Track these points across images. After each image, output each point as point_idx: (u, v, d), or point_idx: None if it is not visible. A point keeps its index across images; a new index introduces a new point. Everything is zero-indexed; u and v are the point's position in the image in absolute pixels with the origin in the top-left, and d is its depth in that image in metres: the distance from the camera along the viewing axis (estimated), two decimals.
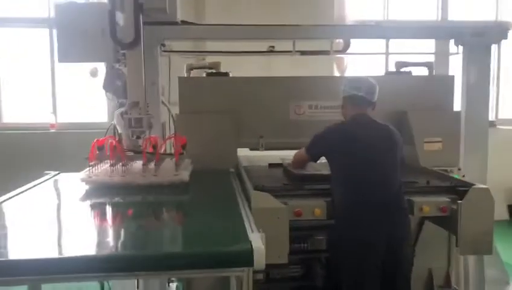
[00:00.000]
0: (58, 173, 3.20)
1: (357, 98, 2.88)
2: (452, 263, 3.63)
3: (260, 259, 1.56)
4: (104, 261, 1.63)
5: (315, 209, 2.48)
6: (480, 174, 3.56)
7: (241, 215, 2.10)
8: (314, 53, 3.91)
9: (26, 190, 2.67)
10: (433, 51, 5.62)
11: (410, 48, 4.67)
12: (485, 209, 2.52)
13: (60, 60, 3.25)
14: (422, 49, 5.04)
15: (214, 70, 3.76)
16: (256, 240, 1.65)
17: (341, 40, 3.95)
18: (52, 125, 6.00)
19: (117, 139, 2.97)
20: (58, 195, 2.85)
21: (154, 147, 2.85)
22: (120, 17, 2.90)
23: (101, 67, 5.68)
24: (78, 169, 3.29)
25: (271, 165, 3.58)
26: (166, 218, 2.33)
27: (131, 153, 2.96)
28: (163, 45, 3.49)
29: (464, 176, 3.34)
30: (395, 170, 2.78)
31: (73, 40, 3.19)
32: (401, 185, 2.76)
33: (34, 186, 2.81)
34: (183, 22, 3.54)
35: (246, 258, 1.57)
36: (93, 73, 5.80)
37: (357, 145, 2.74)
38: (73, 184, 2.81)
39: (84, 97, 6.19)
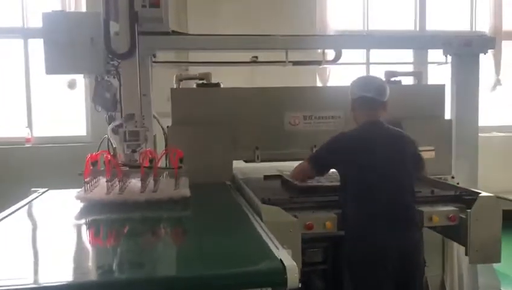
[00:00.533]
0: (47, 190, 3.04)
1: (366, 100, 2.74)
2: (447, 270, 3.64)
3: (293, 278, 1.48)
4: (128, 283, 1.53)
5: (326, 222, 2.43)
6: (471, 181, 3.60)
7: (256, 229, 2.02)
8: (306, 63, 3.89)
9: (17, 209, 2.51)
10: (411, 60, 5.79)
11: (388, 58, 4.75)
12: (492, 217, 2.54)
13: (48, 72, 3.11)
14: (399, 59, 5.15)
15: (204, 81, 3.68)
16: (286, 257, 1.58)
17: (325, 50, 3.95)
18: (28, 140, 5.76)
19: (111, 153, 2.84)
20: (53, 214, 2.67)
21: (151, 160, 2.74)
22: (114, 27, 2.80)
23: (80, 79, 5.58)
24: (55, 184, 3.16)
25: (266, 177, 3.51)
26: (176, 237, 2.21)
27: (127, 168, 2.83)
28: (154, 56, 3.39)
29: (458, 183, 3.36)
30: (409, 180, 2.70)
31: (61, 51, 3.08)
32: (414, 195, 2.69)
33: (24, 205, 2.65)
34: (174, 32, 3.47)
35: (278, 277, 1.49)
36: (71, 85, 5.65)
37: (368, 155, 2.64)
38: (66, 202, 2.66)
39: (62, 110, 5.98)
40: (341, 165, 2.73)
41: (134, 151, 2.81)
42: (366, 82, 2.85)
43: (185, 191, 2.70)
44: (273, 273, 1.51)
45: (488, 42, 3.76)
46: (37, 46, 5.73)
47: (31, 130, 5.84)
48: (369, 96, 2.74)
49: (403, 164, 2.71)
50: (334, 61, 3.97)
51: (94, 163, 2.73)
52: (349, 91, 2.85)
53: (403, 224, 2.59)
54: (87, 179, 2.64)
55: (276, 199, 2.63)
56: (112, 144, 2.95)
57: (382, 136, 2.73)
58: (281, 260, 1.56)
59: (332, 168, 2.80)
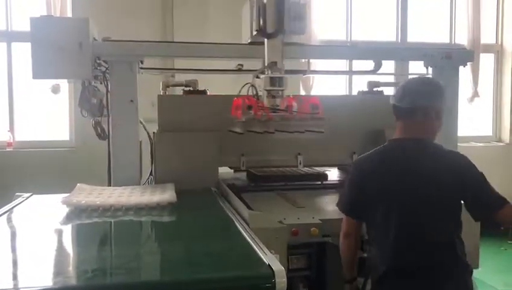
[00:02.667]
0: (31, 195, 3.03)
1: (401, 109, 2.26)
2: None
3: (282, 282, 1.53)
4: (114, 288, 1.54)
5: (312, 228, 2.47)
6: None
7: (243, 235, 2.06)
8: (292, 72, 3.94)
9: (2, 214, 2.50)
10: (392, 71, 5.91)
11: (370, 67, 4.85)
12: (471, 224, 2.59)
13: (35, 77, 3.10)
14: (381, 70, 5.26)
15: (191, 88, 3.71)
16: (274, 262, 1.62)
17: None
18: (9, 144, 5.69)
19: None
20: (40, 219, 2.65)
21: (287, 107, 2.88)
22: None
23: (64, 84, 5.56)
24: (38, 189, 3.15)
25: (236, 171, 3.79)
26: (163, 242, 2.22)
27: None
28: (142, 62, 3.41)
29: None
30: (452, 222, 2.15)
31: (49, 56, 3.08)
32: (456, 241, 2.14)
33: (9, 210, 2.64)
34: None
35: (266, 281, 1.53)
36: (55, 89, 5.62)
37: (396, 187, 2.13)
38: (52, 207, 2.66)
39: (45, 114, 5.93)
40: (365, 199, 2.24)
41: (274, 97, 2.88)
42: (404, 86, 2.35)
43: (171, 196, 2.73)
44: (262, 277, 1.55)
45: (468, 55, 3.88)
46: (21, 50, 5.73)
47: (13, 134, 5.77)
48: (403, 106, 2.28)
49: (447, 197, 2.14)
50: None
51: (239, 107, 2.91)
52: (435, 98, 2.28)
53: (440, 281, 2.07)
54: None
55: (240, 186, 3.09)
56: (255, 89, 3.01)
57: (417, 159, 2.21)
58: (269, 264, 1.60)
59: (361, 206, 2.25)
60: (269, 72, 2.91)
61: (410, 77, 3.46)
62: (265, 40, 2.96)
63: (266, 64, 2.95)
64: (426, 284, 2.08)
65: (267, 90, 2.91)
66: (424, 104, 2.22)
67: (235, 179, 3.68)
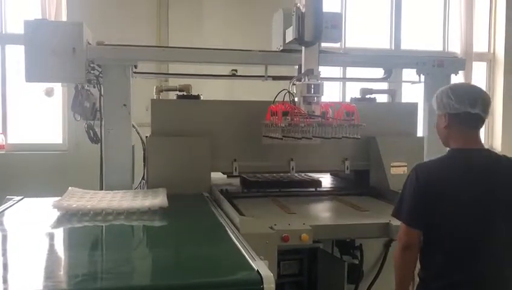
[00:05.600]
0: (22, 198, 3.02)
1: (470, 117, 2.13)
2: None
3: (270, 288, 1.53)
4: None
5: (302, 234, 2.48)
6: None
7: (233, 240, 2.07)
8: (287, 78, 3.97)
9: None
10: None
11: (363, 74, 4.88)
12: None
13: (28, 80, 3.11)
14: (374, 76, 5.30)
15: (184, 93, 3.73)
16: (263, 267, 1.63)
17: None
18: (1, 146, 5.67)
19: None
20: (30, 223, 2.64)
21: (324, 113, 3.01)
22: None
23: (58, 87, 5.54)
24: (29, 192, 3.14)
25: (230, 176, 3.79)
26: (154, 246, 2.23)
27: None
28: (136, 67, 3.42)
29: None
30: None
31: (43, 59, 3.08)
32: None
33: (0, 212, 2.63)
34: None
35: (255, 287, 1.54)
36: (49, 92, 5.60)
37: (461, 192, 2.06)
38: (43, 210, 2.66)
39: (37, 117, 5.91)
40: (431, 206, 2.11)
41: (310, 103, 3.01)
42: (471, 94, 2.17)
43: (162, 201, 2.73)
44: (250, 283, 1.56)
45: (459, 64, 3.93)
46: (15, 52, 5.71)
47: (6, 137, 5.75)
48: (474, 112, 2.13)
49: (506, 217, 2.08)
50: None
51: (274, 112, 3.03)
52: (439, 102, 2.24)
53: None
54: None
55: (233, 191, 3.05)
56: (292, 95, 3.14)
57: (489, 170, 2.12)
58: (257, 270, 1.61)
59: (426, 213, 2.11)
60: (306, 78, 3.03)
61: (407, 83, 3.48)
62: (303, 48, 3.12)
63: (303, 72, 3.08)
64: None
65: (303, 96, 3.02)
66: (488, 113, 2.18)
67: (228, 185, 3.67)
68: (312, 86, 3.01)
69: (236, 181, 3.87)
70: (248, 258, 1.77)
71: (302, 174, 3.92)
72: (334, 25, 3.24)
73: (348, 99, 4.87)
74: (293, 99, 3.10)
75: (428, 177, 2.11)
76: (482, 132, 7.20)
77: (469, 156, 2.14)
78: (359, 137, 3.14)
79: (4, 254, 2.03)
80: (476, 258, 2.04)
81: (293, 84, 3.13)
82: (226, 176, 3.87)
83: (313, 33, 3.03)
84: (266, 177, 3.80)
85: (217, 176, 3.70)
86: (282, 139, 3.08)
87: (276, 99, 3.18)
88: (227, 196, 3.17)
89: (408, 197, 2.14)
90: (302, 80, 3.07)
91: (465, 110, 2.13)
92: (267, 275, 1.56)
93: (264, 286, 1.53)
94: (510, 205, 2.09)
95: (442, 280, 2.06)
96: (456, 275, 2.04)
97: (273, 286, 1.54)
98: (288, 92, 3.11)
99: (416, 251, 2.14)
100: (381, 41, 6.91)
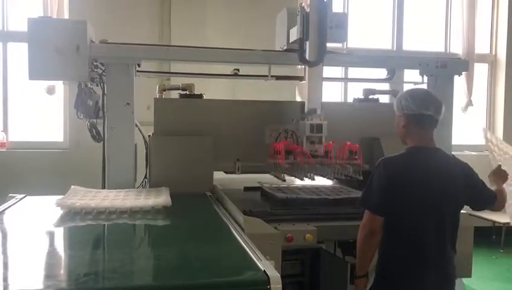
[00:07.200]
0: (25, 196, 3.01)
1: (425, 118, 2.43)
2: None
3: (277, 288, 1.53)
4: None
5: (307, 234, 2.47)
6: None
7: (238, 240, 2.06)
8: (289, 78, 3.97)
9: None
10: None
11: (366, 75, 4.87)
12: (465, 234, 2.61)
13: (31, 78, 3.10)
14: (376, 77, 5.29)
15: (187, 92, 3.71)
16: (270, 268, 1.62)
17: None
18: (2, 144, 5.66)
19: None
20: (33, 221, 2.63)
21: (327, 152, 3.03)
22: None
23: (59, 85, 5.54)
24: (31, 190, 3.13)
25: (247, 189, 3.55)
26: (158, 246, 2.21)
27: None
28: (139, 65, 3.41)
29: None
30: (454, 227, 2.43)
31: (46, 57, 3.07)
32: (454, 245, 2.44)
33: (2, 211, 2.62)
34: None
35: (261, 287, 1.53)
36: (50, 90, 5.59)
37: (418, 187, 2.35)
38: (46, 209, 2.65)
39: (39, 115, 5.90)
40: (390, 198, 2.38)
41: (313, 142, 3.04)
42: (425, 98, 2.48)
43: (165, 200, 2.72)
44: (257, 283, 1.55)
45: (463, 65, 3.92)
46: (17, 50, 5.70)
47: (7, 135, 5.74)
48: (427, 114, 2.43)
49: (454, 200, 2.43)
50: None
51: (278, 151, 3.06)
52: (398, 105, 2.51)
53: (442, 274, 2.38)
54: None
55: (258, 211, 2.65)
56: (295, 135, 3.21)
57: (435, 166, 2.42)
58: (264, 271, 1.60)
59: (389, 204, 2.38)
60: (310, 118, 3.06)
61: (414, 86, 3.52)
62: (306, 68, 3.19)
63: (306, 111, 3.11)
64: (442, 275, 2.38)
65: (307, 136, 3.04)
66: (440, 114, 2.47)
67: (250, 202, 3.12)
68: (315, 126, 3.03)
69: (257, 195, 3.41)
70: (254, 259, 1.76)
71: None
72: (339, 24, 3.19)
73: (350, 100, 4.88)
74: (297, 139, 3.15)
75: (392, 171, 2.39)
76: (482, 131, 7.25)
77: (425, 154, 2.44)
78: (362, 178, 3.04)
79: (5, 253, 2.01)
80: (426, 245, 2.36)
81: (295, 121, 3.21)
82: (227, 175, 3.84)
83: (316, 54, 3.07)
84: (293, 191, 3.25)
85: (216, 177, 3.68)
86: (284, 181, 3.12)
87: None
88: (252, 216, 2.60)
89: (374, 187, 2.40)
90: (306, 119, 3.08)
91: (420, 111, 2.42)
92: (274, 275, 1.56)
93: (271, 286, 1.53)
94: (456, 199, 2.43)
95: (398, 263, 2.38)
96: (409, 259, 2.36)
97: (279, 286, 1.53)
98: (292, 131, 3.22)
99: (379, 237, 2.40)
100: (382, 42, 6.91)
